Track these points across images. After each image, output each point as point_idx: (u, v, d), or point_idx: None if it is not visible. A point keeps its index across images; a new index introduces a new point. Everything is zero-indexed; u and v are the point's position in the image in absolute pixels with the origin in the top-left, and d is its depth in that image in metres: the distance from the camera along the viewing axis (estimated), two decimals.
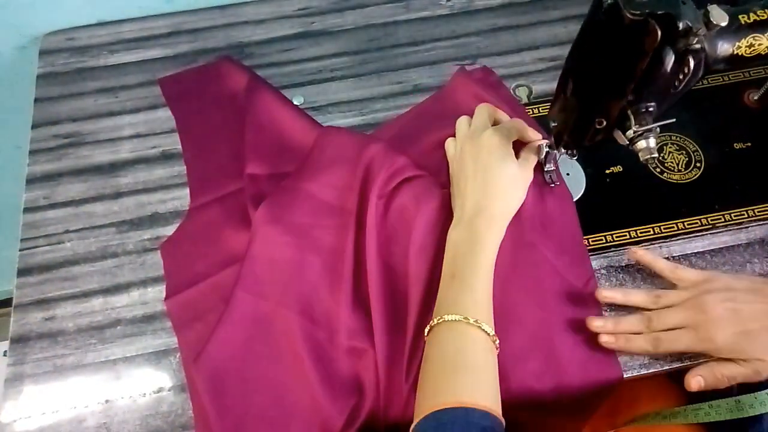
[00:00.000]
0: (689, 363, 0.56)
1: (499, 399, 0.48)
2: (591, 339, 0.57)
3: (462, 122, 0.63)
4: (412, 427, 0.46)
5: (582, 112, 0.52)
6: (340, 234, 0.61)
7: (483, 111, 0.62)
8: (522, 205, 0.60)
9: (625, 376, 0.56)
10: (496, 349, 0.51)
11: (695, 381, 0.52)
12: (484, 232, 0.55)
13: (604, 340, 0.55)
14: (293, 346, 0.56)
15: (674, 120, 0.51)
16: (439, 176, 0.64)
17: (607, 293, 0.57)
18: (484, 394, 0.47)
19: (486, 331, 0.50)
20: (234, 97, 0.72)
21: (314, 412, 0.54)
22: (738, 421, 0.53)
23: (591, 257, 0.62)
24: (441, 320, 0.50)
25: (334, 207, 0.62)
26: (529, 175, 0.59)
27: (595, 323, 0.56)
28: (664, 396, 0.66)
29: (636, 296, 0.57)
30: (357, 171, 0.62)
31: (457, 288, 0.52)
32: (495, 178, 0.57)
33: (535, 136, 0.61)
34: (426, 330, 0.52)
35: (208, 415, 0.54)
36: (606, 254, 0.62)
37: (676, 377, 0.56)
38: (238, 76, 0.73)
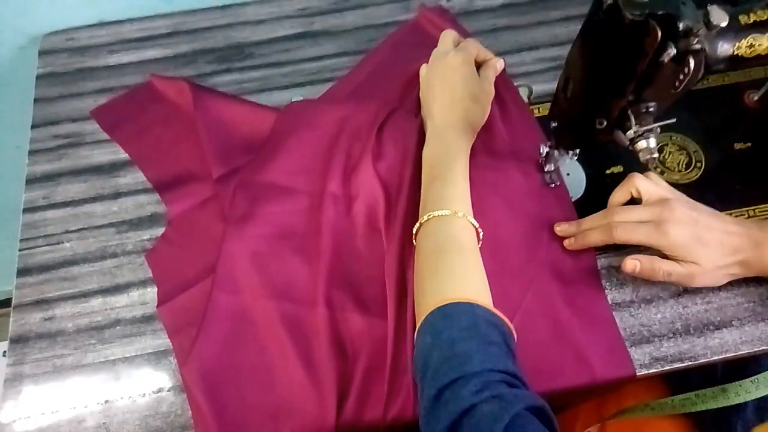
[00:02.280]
0: (690, 364, 0.56)
1: (488, 288, 0.52)
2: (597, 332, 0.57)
3: (434, 52, 0.67)
4: (418, 326, 0.48)
5: (582, 112, 0.52)
6: (310, 214, 0.63)
7: (447, 36, 0.66)
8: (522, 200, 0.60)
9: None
10: (480, 240, 0.55)
11: (631, 263, 0.55)
12: (454, 140, 0.59)
13: (566, 243, 0.60)
14: (275, 333, 0.57)
15: (674, 120, 0.51)
16: (414, 106, 0.68)
17: (562, 227, 0.60)
18: (479, 287, 0.51)
19: (471, 222, 0.54)
20: (179, 108, 0.71)
21: (306, 393, 0.55)
22: (723, 409, 0.53)
23: None
24: (430, 216, 0.54)
25: (298, 191, 0.64)
26: (490, 90, 0.63)
27: (558, 228, 0.60)
28: (651, 389, 0.66)
29: (589, 221, 0.58)
30: (331, 147, 0.65)
31: (438, 186, 0.56)
32: (459, 94, 0.61)
33: (489, 54, 0.66)
34: (414, 229, 0.56)
35: (206, 416, 0.54)
36: (606, 254, 0.62)
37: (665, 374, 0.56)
38: (175, 87, 0.72)
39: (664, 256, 0.55)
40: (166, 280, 0.62)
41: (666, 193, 0.56)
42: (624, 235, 0.55)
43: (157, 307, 0.61)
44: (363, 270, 0.60)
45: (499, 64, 0.65)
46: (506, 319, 0.48)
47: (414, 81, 0.69)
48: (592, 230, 0.57)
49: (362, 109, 0.67)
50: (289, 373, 0.56)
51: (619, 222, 0.55)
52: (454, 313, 0.47)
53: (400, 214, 0.60)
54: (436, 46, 0.67)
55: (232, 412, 0.55)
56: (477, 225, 0.55)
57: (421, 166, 0.61)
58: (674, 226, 0.53)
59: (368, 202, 0.62)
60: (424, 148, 0.61)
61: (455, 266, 0.51)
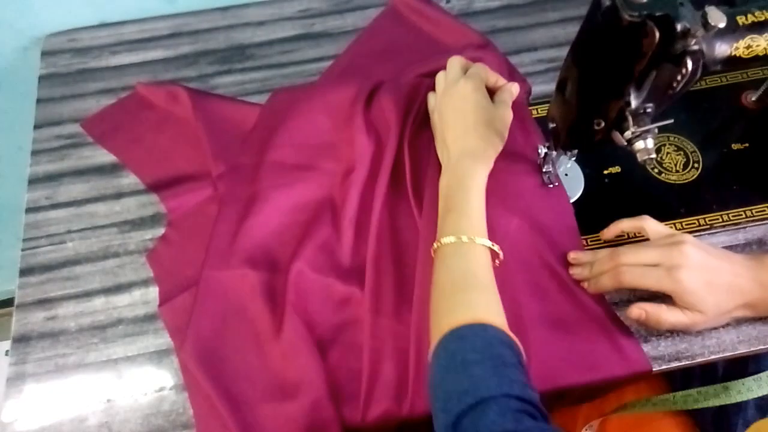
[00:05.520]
0: (687, 363, 0.56)
1: (504, 317, 0.51)
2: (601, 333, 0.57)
3: (439, 77, 0.66)
4: (433, 346, 0.48)
5: (580, 113, 0.53)
6: (306, 189, 0.65)
7: (455, 63, 0.64)
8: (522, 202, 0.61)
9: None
10: (500, 258, 0.55)
11: (637, 312, 0.54)
12: (470, 169, 0.58)
13: (584, 285, 0.59)
14: (257, 302, 0.58)
15: (672, 121, 0.51)
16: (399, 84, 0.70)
17: (575, 270, 0.59)
18: (494, 311, 0.50)
19: (485, 245, 0.53)
20: (170, 113, 0.72)
21: (305, 369, 0.55)
22: (723, 407, 0.53)
23: None
24: (444, 242, 0.54)
25: (294, 168, 0.66)
26: (507, 115, 0.62)
27: (572, 271, 0.59)
28: (652, 386, 0.66)
29: (599, 264, 0.57)
30: (322, 124, 0.68)
31: (453, 219, 0.55)
32: (473, 121, 0.60)
33: (501, 78, 0.65)
34: (432, 251, 0.55)
35: (211, 396, 0.54)
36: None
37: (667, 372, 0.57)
38: (163, 93, 0.72)
39: (669, 299, 0.54)
40: (166, 279, 0.63)
41: (675, 234, 0.56)
42: (633, 281, 0.54)
43: (159, 306, 0.61)
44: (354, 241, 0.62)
45: (514, 88, 0.64)
46: (517, 341, 0.48)
47: (396, 64, 0.71)
48: (602, 275, 0.56)
49: (347, 87, 0.69)
50: (277, 341, 0.57)
51: (627, 266, 0.54)
52: (467, 334, 0.46)
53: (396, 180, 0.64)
54: (413, 29, 0.67)
55: (235, 388, 0.55)
56: (491, 244, 0.54)
57: (416, 128, 0.64)
58: (687, 271, 0.52)
59: (362, 174, 0.64)
60: (441, 178, 0.60)
61: (471, 300, 0.50)
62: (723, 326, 0.58)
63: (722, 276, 0.53)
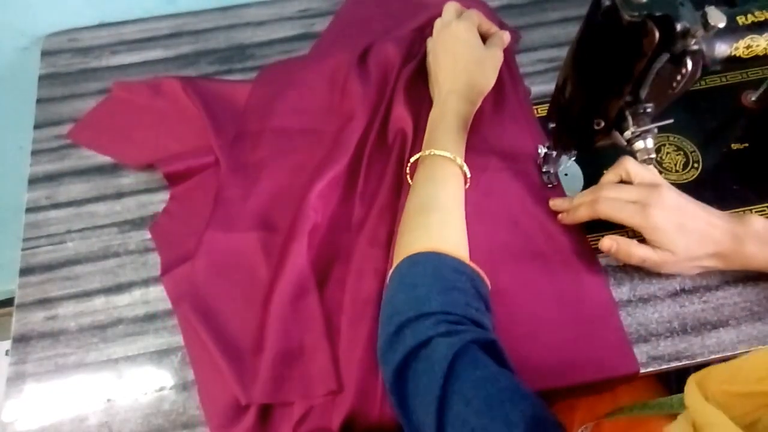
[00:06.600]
0: (687, 363, 0.57)
1: (467, 244, 0.54)
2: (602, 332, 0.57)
3: (437, 22, 0.69)
4: (391, 270, 0.52)
5: (580, 113, 0.53)
6: (311, 150, 0.67)
7: (450, 7, 0.68)
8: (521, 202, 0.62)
9: None
10: (467, 181, 0.58)
11: (609, 242, 0.57)
12: (454, 106, 0.62)
13: (559, 218, 0.61)
14: (264, 259, 0.60)
15: (672, 121, 0.51)
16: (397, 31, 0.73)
17: (555, 202, 0.62)
18: (451, 235, 0.53)
19: (455, 165, 0.57)
20: (151, 108, 0.72)
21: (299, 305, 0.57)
22: None
23: None
24: (414, 160, 0.59)
25: (293, 131, 0.68)
26: (497, 56, 0.66)
27: (552, 202, 0.62)
28: (647, 388, 0.66)
29: (579, 197, 0.59)
30: (320, 89, 0.70)
31: (432, 148, 0.58)
32: (462, 60, 0.64)
33: (493, 26, 0.69)
34: (406, 174, 0.61)
35: (213, 351, 0.55)
36: (603, 253, 0.62)
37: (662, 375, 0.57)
38: (143, 89, 0.73)
39: (643, 239, 0.56)
40: (168, 250, 0.64)
41: (656, 178, 0.57)
42: (608, 211, 0.56)
43: (161, 276, 0.62)
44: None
45: (505, 36, 0.68)
46: (479, 270, 0.51)
47: (385, 27, 0.73)
48: (580, 205, 0.58)
49: (342, 51, 0.71)
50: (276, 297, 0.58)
51: (605, 198, 0.56)
52: (421, 260, 0.50)
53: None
54: None
55: (234, 339, 0.57)
56: (466, 168, 0.57)
57: (410, 88, 0.67)
58: (660, 210, 0.53)
59: (360, 124, 0.65)
60: (430, 113, 0.64)
61: (433, 223, 0.53)
62: (722, 326, 0.58)
63: (695, 221, 0.54)
